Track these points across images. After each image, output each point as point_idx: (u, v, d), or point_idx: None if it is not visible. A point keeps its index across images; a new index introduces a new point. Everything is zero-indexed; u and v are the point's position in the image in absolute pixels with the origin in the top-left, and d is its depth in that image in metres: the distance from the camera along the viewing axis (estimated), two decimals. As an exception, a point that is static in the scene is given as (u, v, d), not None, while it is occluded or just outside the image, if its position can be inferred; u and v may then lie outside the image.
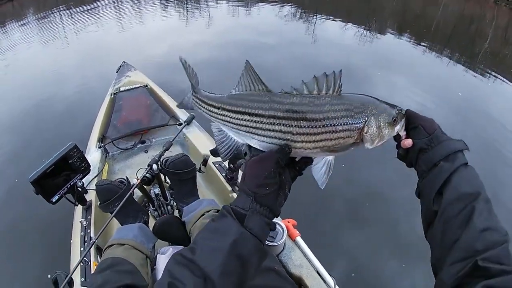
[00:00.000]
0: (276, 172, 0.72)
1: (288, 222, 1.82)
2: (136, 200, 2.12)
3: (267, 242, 1.60)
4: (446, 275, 0.68)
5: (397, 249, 2.84)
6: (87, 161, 1.83)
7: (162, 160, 1.80)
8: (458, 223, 0.71)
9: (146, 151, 2.81)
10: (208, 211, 1.62)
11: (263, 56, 6.38)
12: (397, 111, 0.80)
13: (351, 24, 9.16)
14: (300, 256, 1.70)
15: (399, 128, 0.83)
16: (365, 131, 0.76)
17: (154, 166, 1.76)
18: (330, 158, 0.81)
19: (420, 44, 7.92)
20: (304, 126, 0.75)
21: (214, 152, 1.81)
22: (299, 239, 1.76)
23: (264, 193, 0.71)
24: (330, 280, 1.62)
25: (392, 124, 0.80)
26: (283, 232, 1.66)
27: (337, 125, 0.74)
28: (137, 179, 1.71)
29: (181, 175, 1.77)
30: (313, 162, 0.82)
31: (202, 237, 0.71)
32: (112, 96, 3.00)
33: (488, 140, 4.52)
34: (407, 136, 0.84)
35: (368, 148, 0.80)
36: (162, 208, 2.17)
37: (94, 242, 1.40)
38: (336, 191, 3.26)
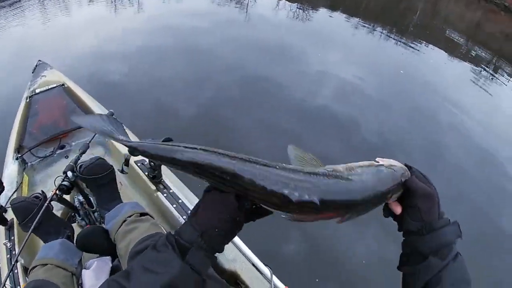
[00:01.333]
0: (232, 218, 0.67)
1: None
2: (61, 211, 2.04)
3: None
4: None
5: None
6: None
7: (77, 166, 1.64)
8: None
9: (66, 157, 2.54)
10: (130, 216, 1.49)
11: (198, 39, 6.12)
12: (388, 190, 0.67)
13: (283, 1, 8.99)
14: (233, 250, 1.58)
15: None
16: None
17: (70, 173, 1.59)
18: None
19: (352, 21, 7.95)
20: None
21: (131, 151, 1.66)
22: (230, 231, 1.62)
23: (214, 234, 0.67)
24: (266, 271, 1.52)
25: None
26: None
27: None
28: (54, 190, 1.55)
29: (97, 180, 1.65)
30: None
31: (140, 266, 0.66)
32: (28, 100, 2.69)
33: (419, 104, 4.74)
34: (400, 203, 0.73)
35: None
36: (90, 217, 1.98)
37: (14, 266, 1.31)
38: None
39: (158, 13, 8.28)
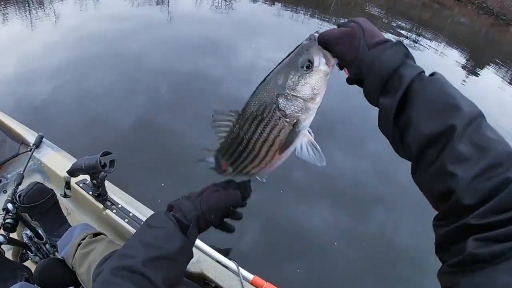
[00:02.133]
0: (229, 209, 0.81)
1: (174, 217, 1.62)
2: (11, 251, 1.90)
3: None
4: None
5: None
6: None
7: (15, 197, 1.52)
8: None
9: (5, 191, 2.29)
10: (83, 239, 1.41)
11: (125, 43, 5.85)
12: (303, 58, 0.61)
13: None
14: (195, 252, 1.53)
15: (325, 66, 0.63)
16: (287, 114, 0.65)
17: (10, 206, 1.49)
18: (303, 140, 0.69)
19: (275, 7, 8.03)
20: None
21: (71, 173, 1.55)
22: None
23: (209, 218, 0.77)
24: (232, 265, 1.51)
25: (307, 74, 0.62)
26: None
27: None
28: None
29: (39, 207, 1.55)
30: (296, 152, 0.70)
31: (139, 242, 0.70)
32: None
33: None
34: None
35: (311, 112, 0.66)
36: (42, 250, 1.84)
37: None
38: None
39: (78, 22, 7.80)
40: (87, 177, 1.68)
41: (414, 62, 0.56)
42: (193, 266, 1.48)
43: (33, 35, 7.42)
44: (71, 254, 1.38)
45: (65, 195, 1.84)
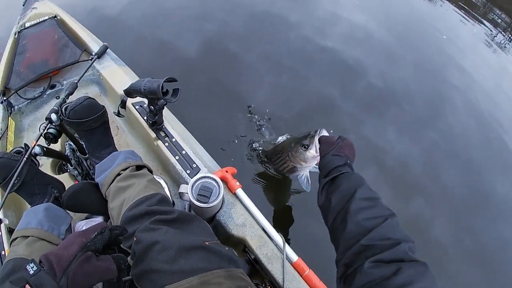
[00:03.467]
0: None
1: (227, 171, 1.47)
2: (51, 160, 1.88)
3: (199, 204, 1.29)
4: (340, 262, 0.84)
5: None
6: None
7: (62, 108, 1.37)
8: (339, 221, 0.88)
9: (58, 97, 2.25)
10: (124, 169, 1.26)
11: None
12: (305, 143, 1.42)
13: None
14: (242, 213, 1.40)
15: (314, 154, 1.41)
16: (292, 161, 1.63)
17: (54, 117, 1.37)
18: (305, 173, 1.72)
19: None
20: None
21: (128, 93, 1.47)
22: (240, 191, 1.44)
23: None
24: (278, 239, 1.35)
25: (306, 150, 1.45)
26: (219, 188, 1.32)
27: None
28: (34, 141, 1.34)
29: (86, 124, 1.36)
30: (298, 176, 1.79)
31: None
32: (16, 36, 2.35)
33: (428, 58, 4.50)
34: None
35: (306, 166, 1.61)
36: (82, 165, 1.77)
37: None
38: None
39: None
40: (146, 100, 1.54)
41: (350, 166, 1.03)
42: (236, 229, 1.35)
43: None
44: (107, 183, 1.26)
45: (118, 114, 1.73)
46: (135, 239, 0.93)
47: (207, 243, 0.95)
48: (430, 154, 3.31)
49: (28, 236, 1.13)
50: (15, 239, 1.15)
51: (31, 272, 0.67)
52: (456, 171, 3.26)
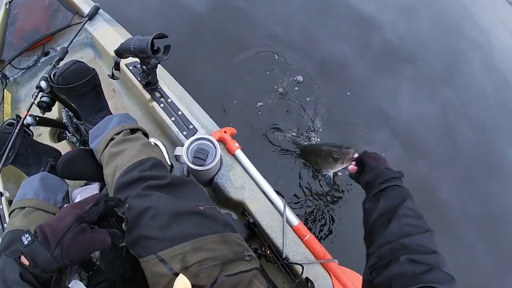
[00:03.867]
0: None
1: (225, 132, 1.40)
2: (48, 130, 1.85)
3: (195, 167, 1.23)
4: (374, 255, 0.90)
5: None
6: None
7: (50, 75, 1.30)
8: (383, 220, 0.95)
9: (51, 64, 2.19)
10: (118, 134, 1.21)
11: None
12: (335, 156, 1.65)
13: None
14: (241, 175, 1.35)
15: (341, 165, 1.67)
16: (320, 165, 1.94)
17: (43, 84, 1.32)
18: (329, 174, 2.03)
19: None
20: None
21: (119, 53, 1.38)
22: (239, 153, 1.38)
23: (73, 265, 0.75)
24: (279, 202, 1.30)
25: (335, 162, 1.68)
26: (215, 150, 1.26)
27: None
28: (26, 112, 1.30)
29: (76, 89, 1.29)
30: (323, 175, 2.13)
31: None
32: (7, 6, 2.24)
33: (448, 15, 4.21)
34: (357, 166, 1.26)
35: (333, 171, 1.91)
36: (80, 131, 1.73)
37: None
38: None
39: None
40: (139, 60, 1.45)
41: (399, 179, 1.07)
42: (235, 192, 1.31)
43: None
44: (101, 149, 1.21)
45: (112, 76, 1.65)
46: (127, 205, 0.90)
47: (201, 207, 0.91)
48: (443, 115, 3.19)
49: (25, 207, 1.12)
50: (13, 210, 1.15)
51: (25, 242, 0.67)
52: (470, 133, 3.16)
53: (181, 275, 0.69)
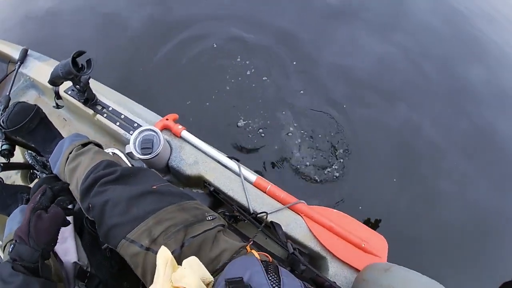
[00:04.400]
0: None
1: (167, 119, 1.45)
2: (19, 174, 1.90)
3: (145, 157, 1.30)
4: None
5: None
6: None
7: (0, 122, 1.40)
8: None
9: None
10: (71, 152, 1.27)
11: None
12: None
13: None
14: (192, 153, 1.40)
15: None
16: None
17: None
18: None
19: None
20: None
21: (52, 82, 1.47)
22: (185, 133, 1.43)
23: (51, 247, 0.85)
24: (233, 165, 1.35)
25: None
26: (158, 136, 1.31)
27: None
28: None
29: (25, 127, 1.39)
30: None
31: None
32: None
33: None
34: None
35: None
36: (48, 166, 1.78)
37: None
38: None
39: None
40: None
41: None
42: (190, 168, 1.35)
43: None
44: (62, 171, 1.28)
45: (57, 106, 1.72)
46: (90, 206, 0.97)
47: (154, 187, 0.97)
48: (404, 57, 3.22)
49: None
50: (5, 246, 1.19)
51: (10, 250, 0.80)
52: (433, 67, 3.23)
53: (162, 247, 0.75)
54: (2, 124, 1.37)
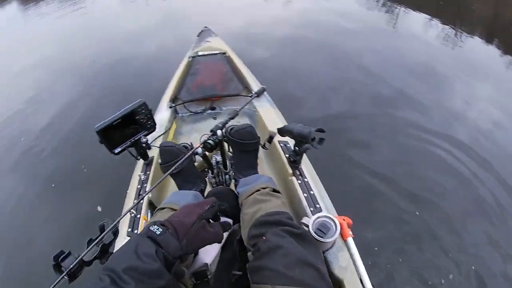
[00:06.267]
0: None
1: (344, 220, 1.70)
2: (197, 164, 2.15)
3: (316, 237, 1.50)
4: None
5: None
6: (153, 119, 1.77)
7: (227, 128, 1.77)
8: None
9: (214, 118, 2.83)
10: (264, 188, 1.55)
11: (343, 41, 6.27)
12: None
13: (435, 21, 8.02)
14: (347, 258, 1.58)
15: None
16: None
17: (218, 132, 1.67)
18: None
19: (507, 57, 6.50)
20: None
21: (281, 131, 1.77)
22: (350, 240, 1.64)
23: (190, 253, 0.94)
24: (371, 291, 1.49)
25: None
26: (336, 229, 1.55)
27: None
28: (199, 144, 1.67)
29: (244, 145, 1.73)
30: None
31: (132, 277, 0.74)
32: (190, 60, 3.03)
33: None
34: None
35: None
36: (220, 177, 2.18)
37: (144, 196, 1.34)
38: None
39: (307, 6, 8.62)
40: (291, 140, 1.89)
41: None
42: (338, 270, 1.53)
43: (264, 6, 8.96)
44: (247, 194, 1.50)
45: (264, 146, 2.09)
46: (264, 238, 1.11)
47: (319, 266, 1.12)
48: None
49: (176, 210, 1.36)
50: (162, 208, 1.42)
51: (157, 232, 0.84)
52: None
53: None
54: (228, 129, 1.69)
